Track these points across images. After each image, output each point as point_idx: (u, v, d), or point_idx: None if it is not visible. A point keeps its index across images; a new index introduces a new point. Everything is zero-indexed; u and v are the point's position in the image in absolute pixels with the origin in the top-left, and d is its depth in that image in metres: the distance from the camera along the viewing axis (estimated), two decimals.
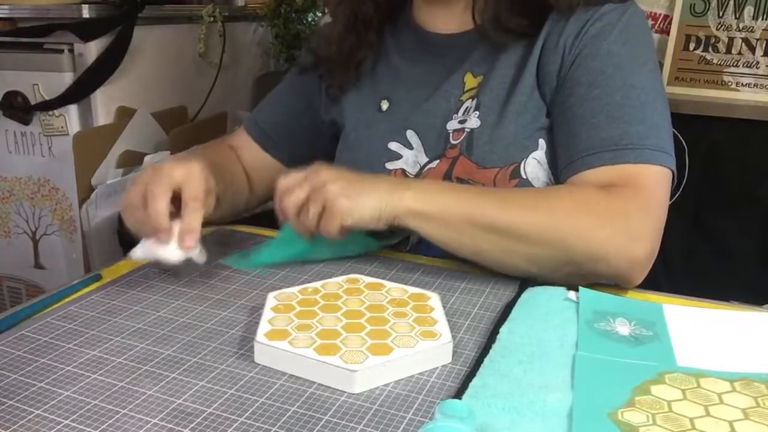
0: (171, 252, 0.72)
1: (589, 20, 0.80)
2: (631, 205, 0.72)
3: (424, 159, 0.88)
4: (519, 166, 0.82)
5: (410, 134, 0.89)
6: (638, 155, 0.74)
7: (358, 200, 0.72)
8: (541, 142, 0.83)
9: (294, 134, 1.02)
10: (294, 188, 0.73)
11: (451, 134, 0.86)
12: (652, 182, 0.74)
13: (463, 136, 0.85)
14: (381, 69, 0.95)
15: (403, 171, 0.89)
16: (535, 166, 0.82)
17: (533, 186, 0.82)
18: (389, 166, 0.90)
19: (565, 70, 0.81)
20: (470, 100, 0.86)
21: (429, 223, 0.72)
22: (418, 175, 0.88)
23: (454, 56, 0.89)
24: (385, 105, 0.93)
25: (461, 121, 0.86)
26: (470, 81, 0.87)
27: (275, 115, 1.04)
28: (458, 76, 0.88)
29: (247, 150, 1.03)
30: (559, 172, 0.81)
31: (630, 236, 0.70)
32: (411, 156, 0.89)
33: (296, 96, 1.03)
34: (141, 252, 0.74)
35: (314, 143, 1.02)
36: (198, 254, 0.74)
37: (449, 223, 0.72)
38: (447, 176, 0.85)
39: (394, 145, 0.90)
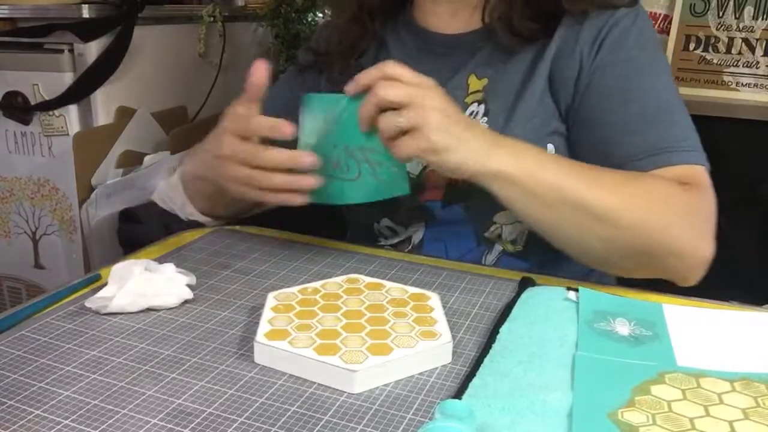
0: (167, 297, 0.69)
1: (605, 26, 0.80)
2: (700, 203, 0.73)
3: None
4: None
5: None
6: (685, 157, 0.75)
7: (453, 146, 0.65)
8: (550, 147, 0.82)
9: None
10: (397, 82, 0.66)
11: None
12: (705, 182, 0.75)
13: None
14: None
15: (407, 172, 0.89)
16: None
17: None
18: None
19: (584, 76, 0.80)
20: (476, 104, 0.85)
21: (514, 188, 0.68)
22: (420, 176, 0.87)
23: (457, 56, 0.88)
24: None
25: None
26: (474, 83, 0.87)
27: (271, 113, 1.03)
28: (462, 77, 0.87)
29: None
30: None
31: (700, 235, 0.71)
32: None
33: (294, 93, 1.02)
34: (122, 303, 0.67)
35: None
36: (189, 280, 0.72)
37: (536, 194, 0.68)
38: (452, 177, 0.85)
39: None
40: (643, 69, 0.79)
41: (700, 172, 0.76)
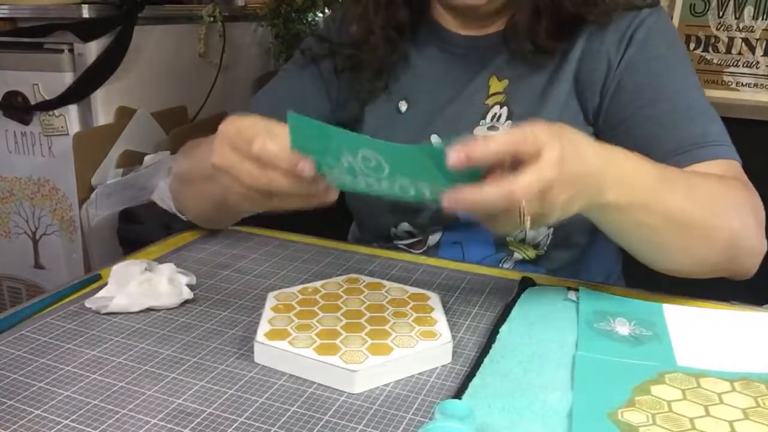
0: (167, 297, 0.69)
1: (630, 25, 0.80)
2: (757, 199, 0.74)
3: None
4: None
5: (434, 139, 0.85)
6: (726, 151, 0.75)
7: (569, 209, 0.57)
8: None
9: None
10: (532, 174, 0.51)
11: None
12: (746, 177, 0.76)
13: None
14: (398, 67, 0.91)
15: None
16: None
17: None
18: None
19: (612, 75, 0.80)
20: (497, 106, 0.84)
21: (621, 217, 0.63)
22: None
23: (477, 57, 0.86)
24: (403, 106, 0.89)
25: (491, 128, 0.83)
26: (495, 85, 0.85)
27: (281, 107, 0.93)
28: (483, 79, 0.85)
29: None
30: None
31: (763, 231, 0.72)
32: None
33: (307, 85, 0.93)
34: (122, 303, 0.67)
35: None
36: (189, 280, 0.72)
37: (643, 222, 0.63)
38: None
39: None
40: (672, 67, 0.79)
41: (740, 167, 0.76)
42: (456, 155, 0.50)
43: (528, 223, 0.53)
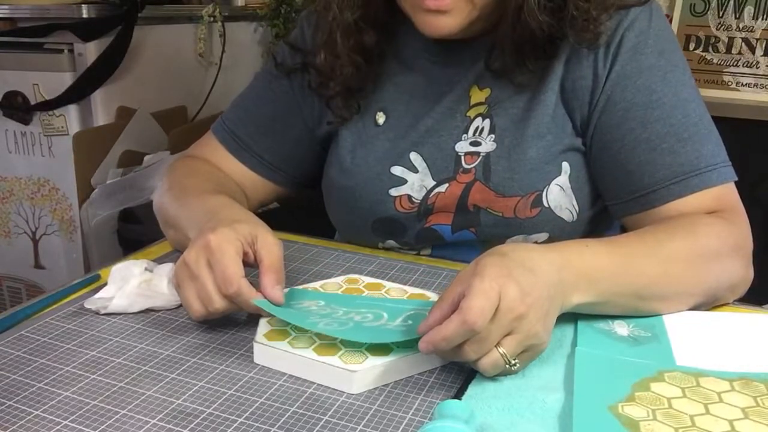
0: (166, 297, 0.69)
1: (619, 28, 0.75)
2: (742, 231, 0.73)
3: (431, 182, 0.81)
4: (541, 194, 0.78)
5: (414, 156, 0.82)
6: (719, 175, 0.73)
7: (550, 326, 0.58)
8: (565, 166, 0.78)
9: (291, 152, 0.91)
10: (484, 330, 0.53)
11: (462, 157, 0.80)
12: (738, 203, 0.75)
13: (478, 161, 0.79)
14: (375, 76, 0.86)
15: (409, 197, 0.82)
16: (558, 193, 0.78)
17: (554, 214, 0.78)
18: (393, 192, 0.82)
19: (602, 89, 0.76)
20: (480, 118, 0.80)
21: (594, 307, 0.65)
22: (424, 200, 0.81)
23: (457, 66, 0.82)
24: (381, 118, 0.84)
25: (473, 143, 0.80)
26: (476, 95, 0.81)
27: (258, 123, 0.90)
28: (463, 89, 0.81)
29: (233, 172, 0.90)
30: (626, 198, 0.77)
31: (748, 263, 0.73)
32: (416, 180, 0.81)
33: (286, 100, 0.89)
34: (121, 303, 0.67)
35: (305, 157, 0.92)
36: None
37: (617, 304, 0.66)
38: (461, 202, 0.80)
39: (397, 170, 0.82)
40: (667, 77, 0.75)
41: (732, 191, 0.75)
42: (423, 344, 0.55)
43: (517, 365, 0.56)
